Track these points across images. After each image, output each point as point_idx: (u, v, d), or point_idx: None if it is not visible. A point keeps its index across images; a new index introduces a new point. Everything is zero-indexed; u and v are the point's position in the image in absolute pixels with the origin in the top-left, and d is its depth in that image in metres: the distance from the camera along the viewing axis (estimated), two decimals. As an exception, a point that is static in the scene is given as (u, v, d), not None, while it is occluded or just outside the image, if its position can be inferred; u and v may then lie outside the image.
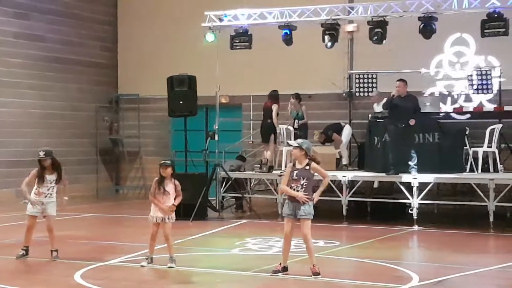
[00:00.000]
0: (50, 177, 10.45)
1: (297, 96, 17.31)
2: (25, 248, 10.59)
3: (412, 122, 14.74)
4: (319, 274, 9.06)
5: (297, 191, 9.09)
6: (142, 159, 22.51)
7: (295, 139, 16.94)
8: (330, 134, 17.46)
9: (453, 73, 18.20)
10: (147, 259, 9.98)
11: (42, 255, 10.60)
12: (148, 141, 22.46)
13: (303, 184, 9.08)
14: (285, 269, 9.28)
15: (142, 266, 9.91)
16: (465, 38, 18.13)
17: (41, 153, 10.45)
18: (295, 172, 9.19)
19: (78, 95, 21.66)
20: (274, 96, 16.84)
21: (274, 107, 16.56)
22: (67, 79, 21.30)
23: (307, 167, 9.14)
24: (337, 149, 17.34)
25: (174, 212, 9.95)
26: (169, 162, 10.06)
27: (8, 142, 19.49)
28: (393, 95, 14.90)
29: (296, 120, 17.13)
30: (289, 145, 9.75)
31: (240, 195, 17.30)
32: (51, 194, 10.48)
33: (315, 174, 9.25)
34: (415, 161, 14.77)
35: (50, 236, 10.55)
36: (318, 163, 9.27)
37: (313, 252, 9.32)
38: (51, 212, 10.50)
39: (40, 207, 10.44)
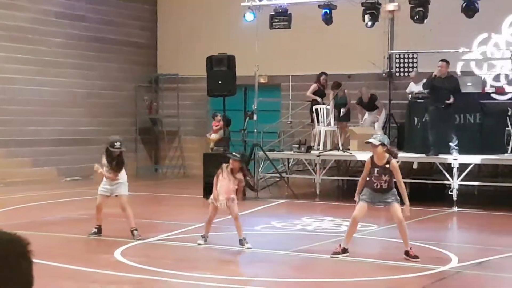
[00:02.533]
0: (113, 166, 10.48)
1: (335, 86, 17.43)
2: (97, 226, 10.63)
3: (450, 100, 14.48)
4: (417, 257, 8.97)
5: (381, 185, 8.94)
6: (181, 139, 22.64)
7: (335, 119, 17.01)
8: (375, 99, 17.46)
9: (498, 53, 17.84)
10: (203, 237, 10.02)
11: (82, 233, 10.75)
12: (187, 121, 22.56)
13: (386, 180, 8.95)
14: (345, 250, 9.20)
15: (199, 244, 9.93)
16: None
17: (117, 144, 10.39)
18: (376, 169, 8.97)
19: (118, 74, 21.83)
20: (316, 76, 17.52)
21: (311, 86, 16.98)
22: (108, 59, 21.47)
23: (387, 165, 8.91)
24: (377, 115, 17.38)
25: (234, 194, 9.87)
26: (238, 156, 9.93)
27: (50, 121, 19.75)
28: (435, 75, 14.69)
29: (341, 107, 17.18)
30: (369, 143, 9.22)
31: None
32: (117, 177, 10.50)
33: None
34: (456, 142, 14.61)
35: (125, 215, 10.56)
36: (396, 156, 9.08)
37: (407, 235, 9.16)
38: (120, 191, 10.52)
39: (110, 187, 10.49)
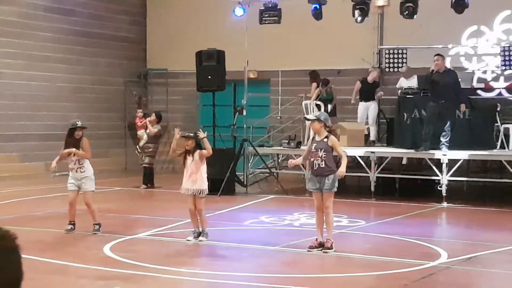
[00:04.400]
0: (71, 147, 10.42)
1: (324, 83, 17.48)
2: (71, 222, 10.60)
3: (463, 107, 14.64)
4: (330, 249, 9.09)
5: (318, 164, 9.08)
6: (170, 134, 22.53)
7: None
8: (377, 86, 17.39)
9: (486, 49, 17.89)
10: (193, 233, 10.01)
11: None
12: (176, 116, 22.47)
13: (322, 156, 9.07)
14: (321, 244, 9.24)
15: (188, 240, 9.91)
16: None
17: (79, 123, 10.45)
18: (314, 145, 9.20)
19: (107, 69, 21.74)
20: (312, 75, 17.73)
21: (313, 85, 17.27)
22: (96, 54, 21.37)
23: (325, 139, 9.10)
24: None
25: (203, 186, 9.89)
26: (191, 134, 10.04)
27: (39, 116, 19.65)
28: (432, 70, 14.62)
29: (328, 103, 17.23)
30: (306, 119, 9.69)
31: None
32: (81, 169, 10.46)
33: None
34: (448, 138, 14.62)
35: (89, 211, 10.58)
36: (336, 135, 9.26)
37: (332, 226, 9.34)
38: (86, 187, 10.50)
39: (76, 183, 10.45)
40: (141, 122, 17.88)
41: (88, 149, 10.53)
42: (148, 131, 17.28)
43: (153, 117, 17.58)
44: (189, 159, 9.83)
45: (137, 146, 17.59)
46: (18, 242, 2.28)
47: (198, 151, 9.83)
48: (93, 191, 10.64)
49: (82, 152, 10.42)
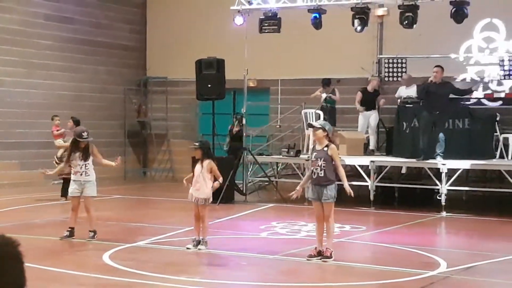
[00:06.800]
0: (80, 155, 10.46)
1: (326, 83, 17.53)
2: (69, 229, 10.61)
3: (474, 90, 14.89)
4: (330, 258, 9.08)
5: (317, 173, 9.08)
6: (170, 142, 22.59)
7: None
8: (377, 94, 17.39)
9: (484, 58, 17.92)
10: (193, 241, 10.00)
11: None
12: (176, 124, 22.53)
13: (321, 165, 9.07)
14: (320, 253, 9.24)
15: (187, 248, 9.91)
16: (494, 23, 17.84)
17: (84, 134, 10.44)
18: (314, 153, 9.22)
19: (107, 77, 21.75)
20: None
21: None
22: (96, 62, 21.39)
23: (325, 149, 9.12)
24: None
25: (207, 195, 9.91)
26: (197, 144, 10.11)
27: (38, 124, 19.63)
28: (431, 81, 14.67)
29: (326, 99, 17.31)
30: (310, 126, 9.67)
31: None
32: (86, 173, 10.48)
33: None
34: (443, 149, 14.64)
35: (87, 215, 10.60)
36: (336, 145, 9.34)
37: (332, 236, 9.34)
38: (88, 192, 10.53)
39: (79, 188, 10.47)
40: (57, 130, 16.33)
41: (98, 153, 10.72)
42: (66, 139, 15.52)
43: (70, 123, 15.73)
44: (198, 167, 9.85)
45: (55, 157, 15.83)
46: (20, 248, 2.28)
47: (208, 160, 9.85)
48: (95, 196, 10.66)
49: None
